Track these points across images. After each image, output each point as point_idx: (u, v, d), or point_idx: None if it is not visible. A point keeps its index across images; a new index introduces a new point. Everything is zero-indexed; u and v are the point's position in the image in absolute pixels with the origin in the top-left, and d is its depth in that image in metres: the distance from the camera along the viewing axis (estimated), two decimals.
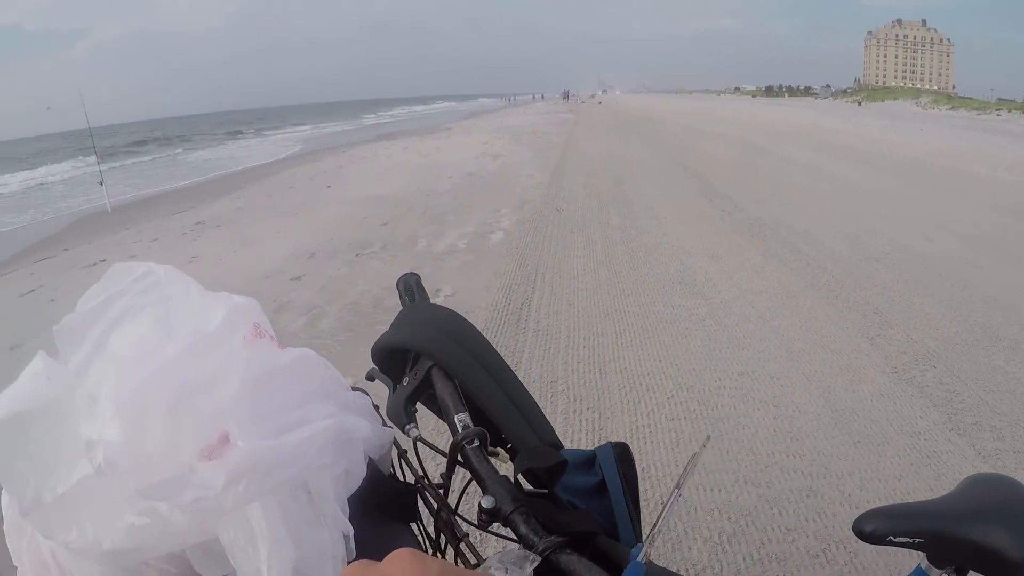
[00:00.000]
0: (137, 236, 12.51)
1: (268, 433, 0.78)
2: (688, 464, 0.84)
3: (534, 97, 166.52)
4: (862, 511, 1.46)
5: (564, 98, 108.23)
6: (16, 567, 0.91)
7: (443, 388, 1.07)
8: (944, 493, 1.67)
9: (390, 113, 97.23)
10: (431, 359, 1.11)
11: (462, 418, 1.02)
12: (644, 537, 0.73)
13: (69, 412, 0.79)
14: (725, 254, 8.43)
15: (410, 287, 1.34)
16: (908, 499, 3.59)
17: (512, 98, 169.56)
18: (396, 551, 0.50)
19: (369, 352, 1.24)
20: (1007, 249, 8.36)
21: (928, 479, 3.80)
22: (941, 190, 12.22)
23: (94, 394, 0.77)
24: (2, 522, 0.90)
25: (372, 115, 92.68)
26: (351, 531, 0.85)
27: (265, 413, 0.81)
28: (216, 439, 0.77)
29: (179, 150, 45.42)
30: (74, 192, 24.64)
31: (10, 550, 0.92)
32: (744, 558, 3.27)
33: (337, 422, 0.86)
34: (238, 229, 11.98)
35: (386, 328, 1.20)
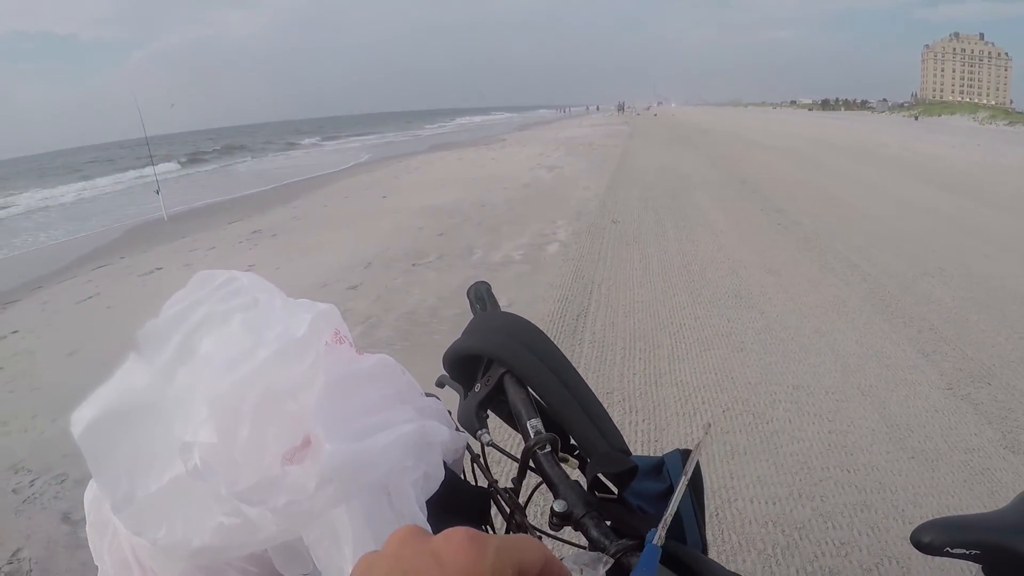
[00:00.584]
0: (193, 245, 12.66)
1: (352, 436, 0.80)
2: (693, 453, 0.87)
3: (588, 109, 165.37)
4: (915, 526, 1.47)
5: (619, 110, 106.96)
6: (97, 566, 0.95)
7: (515, 394, 1.09)
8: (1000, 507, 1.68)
9: (446, 124, 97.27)
10: (504, 366, 1.12)
11: (534, 424, 1.04)
12: (660, 525, 0.76)
13: (160, 413, 0.82)
14: (781, 268, 8.37)
15: (481, 295, 1.36)
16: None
17: (567, 109, 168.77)
18: (449, 529, 0.49)
19: (426, 361, 1.27)
20: None
21: (982, 496, 3.76)
22: (998, 208, 12.04)
23: (186, 396, 0.81)
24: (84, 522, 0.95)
25: (431, 125, 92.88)
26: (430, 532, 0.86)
27: (348, 417, 0.84)
28: (300, 442, 0.80)
29: (234, 161, 45.80)
30: (131, 201, 24.95)
31: (91, 549, 0.96)
32: (797, 571, 3.26)
33: (419, 426, 0.89)
34: (294, 238, 12.09)
35: (442, 337, 1.23)
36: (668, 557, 0.82)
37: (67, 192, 32.36)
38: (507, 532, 1.04)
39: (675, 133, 38.91)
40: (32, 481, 4.67)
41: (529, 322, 1.20)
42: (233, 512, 0.77)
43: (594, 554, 0.79)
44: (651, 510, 0.97)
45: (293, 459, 0.80)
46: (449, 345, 1.21)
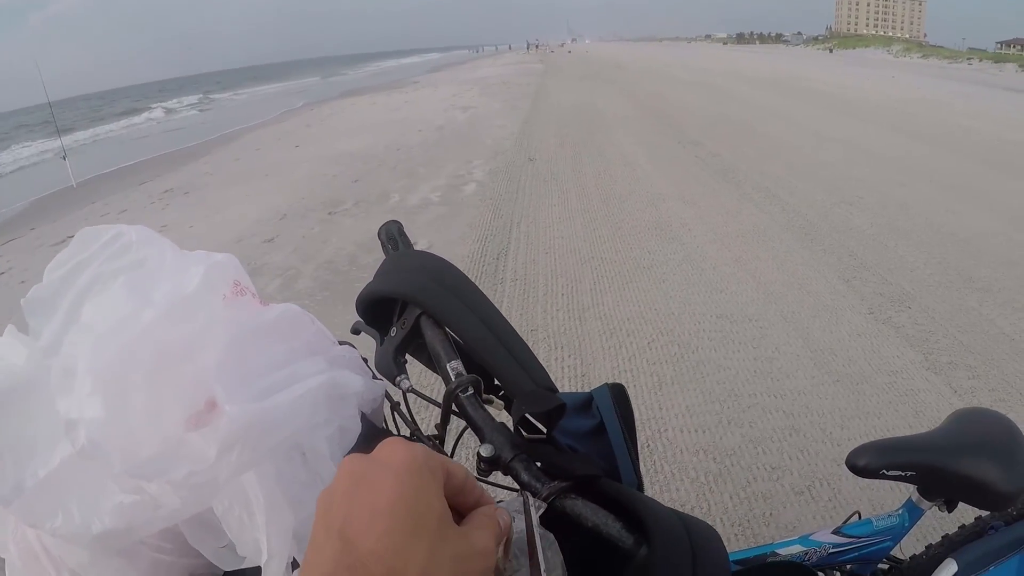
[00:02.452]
0: (104, 209, 12.31)
1: (257, 395, 0.73)
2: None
3: (497, 48, 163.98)
4: (843, 449, 1.48)
5: (529, 48, 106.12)
6: (3, 558, 0.87)
7: (433, 336, 1.03)
8: (927, 429, 1.69)
9: (356, 71, 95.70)
10: (419, 307, 1.07)
11: (455, 366, 0.98)
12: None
13: (44, 389, 0.73)
14: (700, 199, 8.42)
15: (392, 235, 1.27)
16: (888, 436, 3.61)
17: (480, 49, 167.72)
18: (384, 440, 0.58)
19: (347, 310, 1.20)
20: (976, 194, 8.36)
21: (907, 416, 3.85)
22: (913, 138, 12.17)
23: (69, 368, 0.71)
24: None
25: (340, 72, 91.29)
26: None
27: (252, 374, 0.76)
28: (203, 405, 0.72)
29: (140, 120, 44.57)
30: (36, 169, 24.15)
31: None
32: (731, 497, 3.31)
33: (329, 378, 0.82)
34: (207, 195, 11.86)
35: (363, 285, 1.15)
36: (604, 497, 0.78)
37: None
38: None
39: (590, 69, 38.83)
40: None
41: (443, 260, 1.14)
42: (133, 489, 0.71)
43: (518, 501, 0.76)
44: (581, 448, 0.95)
45: (198, 425, 0.72)
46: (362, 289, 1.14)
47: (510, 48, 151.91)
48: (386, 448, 0.57)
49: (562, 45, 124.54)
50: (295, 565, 0.75)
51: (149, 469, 0.67)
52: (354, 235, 7.88)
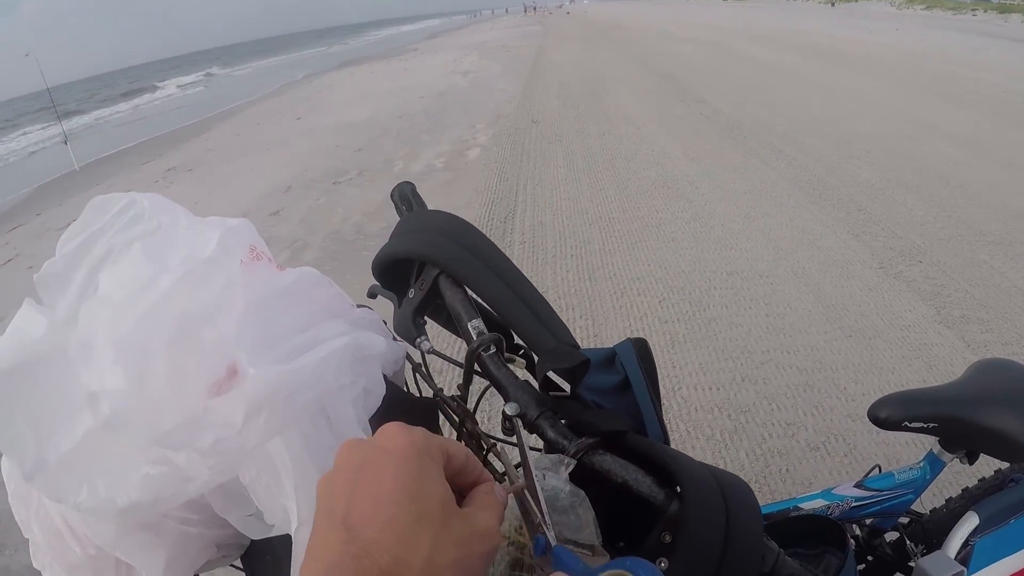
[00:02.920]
0: (108, 191, 12.09)
1: (280, 358, 0.71)
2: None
3: (494, 12, 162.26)
4: (858, 404, 1.47)
5: (526, 11, 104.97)
6: (28, 539, 0.86)
7: (453, 296, 1.01)
8: (940, 383, 1.68)
9: (354, 40, 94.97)
10: (437, 266, 1.04)
11: (476, 325, 0.97)
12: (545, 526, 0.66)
13: (65, 363, 0.71)
14: (706, 156, 8.36)
15: (406, 195, 1.24)
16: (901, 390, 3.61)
17: (478, 13, 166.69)
18: (382, 426, 0.59)
19: (357, 279, 1.17)
20: (985, 146, 8.23)
21: (920, 371, 3.84)
22: (920, 91, 12.04)
23: (88, 340, 0.70)
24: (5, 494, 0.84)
25: (338, 43, 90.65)
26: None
27: (274, 338, 0.75)
28: (224, 372, 0.70)
29: (141, 101, 44.26)
30: (39, 155, 24.01)
31: (18, 522, 0.86)
32: (746, 454, 3.31)
33: (352, 339, 0.80)
34: (210, 171, 11.83)
35: (370, 254, 1.12)
36: (632, 453, 0.78)
37: None
38: (457, 440, 0.98)
39: (589, 30, 38.47)
40: None
41: (459, 218, 1.11)
42: (159, 460, 0.69)
43: (555, 457, 0.76)
44: (606, 404, 0.93)
45: (221, 392, 0.70)
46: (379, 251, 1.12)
47: (507, 11, 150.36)
48: (385, 433, 0.58)
49: (560, 6, 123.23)
50: None
51: (175, 438, 0.66)
52: (359, 204, 7.86)
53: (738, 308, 4.59)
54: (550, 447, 0.81)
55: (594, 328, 4.49)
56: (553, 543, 0.62)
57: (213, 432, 0.66)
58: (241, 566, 0.96)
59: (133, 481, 0.69)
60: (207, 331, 0.70)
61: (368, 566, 0.50)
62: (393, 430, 0.58)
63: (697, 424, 3.53)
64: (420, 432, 0.58)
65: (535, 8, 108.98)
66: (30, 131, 33.18)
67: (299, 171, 10.09)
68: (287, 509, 0.72)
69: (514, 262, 1.01)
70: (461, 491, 0.61)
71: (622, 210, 6.69)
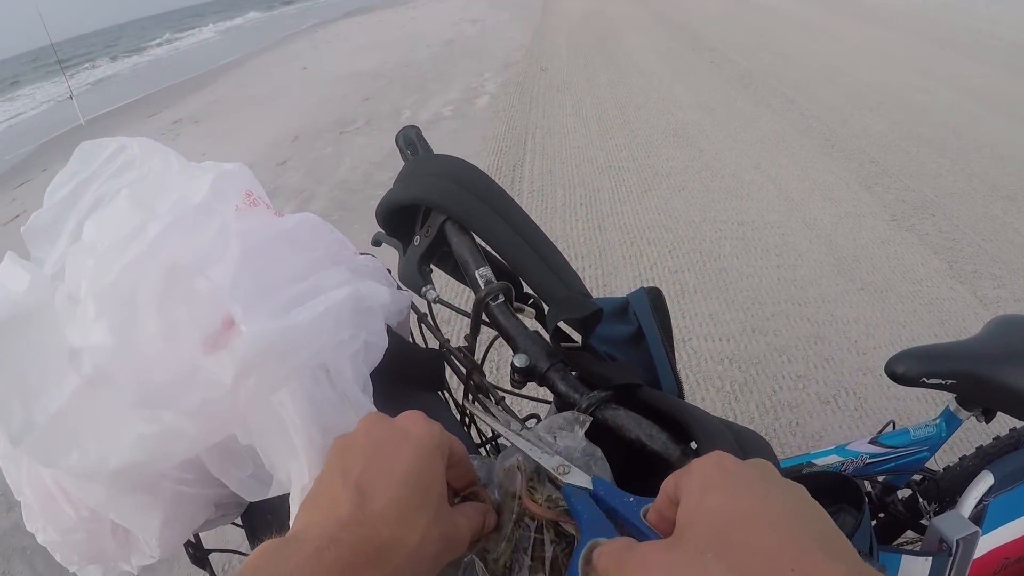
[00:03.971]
0: None
1: (277, 311, 0.67)
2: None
3: None
4: (869, 358, 1.45)
5: None
6: (20, 502, 0.82)
7: (460, 243, 0.98)
8: (952, 338, 1.67)
9: None
10: (443, 212, 1.01)
11: (484, 273, 0.94)
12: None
13: (51, 319, 0.67)
14: (717, 105, 8.26)
15: (411, 140, 1.20)
16: (913, 345, 3.60)
17: None
18: (406, 412, 0.64)
19: (363, 228, 1.14)
20: (1000, 100, 8.04)
21: (932, 325, 3.81)
22: (936, 43, 11.88)
23: (73, 293, 0.66)
24: None
25: None
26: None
27: (271, 288, 0.71)
28: (220, 324, 0.67)
29: (144, 56, 43.93)
30: (46, 110, 23.92)
31: (9, 484, 0.82)
32: (757, 406, 3.31)
33: (353, 290, 0.76)
34: (217, 123, 11.79)
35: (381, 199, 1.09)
36: (646, 407, 0.76)
37: None
38: (464, 394, 0.97)
39: None
40: None
41: (466, 162, 1.07)
42: (152, 420, 0.65)
43: (568, 415, 0.73)
44: (619, 356, 0.90)
45: (217, 345, 0.67)
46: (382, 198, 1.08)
47: None
48: (410, 418, 0.63)
49: None
50: None
51: (160, 398, 0.63)
52: (367, 153, 7.82)
53: (749, 258, 4.56)
54: (561, 400, 0.80)
55: (604, 278, 4.48)
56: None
57: (200, 392, 0.62)
58: (241, 524, 0.93)
59: (126, 441, 0.65)
60: (199, 281, 0.66)
61: (371, 535, 0.52)
62: (417, 417, 0.63)
63: (707, 375, 3.52)
64: (438, 426, 0.62)
65: None
66: (39, 85, 33.07)
67: (307, 121, 10.03)
68: (290, 470, 0.70)
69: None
70: (450, 486, 0.65)
71: (632, 159, 6.64)
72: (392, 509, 0.54)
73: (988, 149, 6.28)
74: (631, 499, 0.61)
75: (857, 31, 12.82)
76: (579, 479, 0.64)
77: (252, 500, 0.77)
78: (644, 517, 0.58)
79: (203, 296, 0.65)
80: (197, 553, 0.98)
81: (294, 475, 0.69)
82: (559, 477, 0.64)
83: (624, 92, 9.35)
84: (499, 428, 0.74)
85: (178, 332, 0.66)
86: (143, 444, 0.65)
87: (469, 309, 0.94)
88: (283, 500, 0.73)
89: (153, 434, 0.65)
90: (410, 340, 1.02)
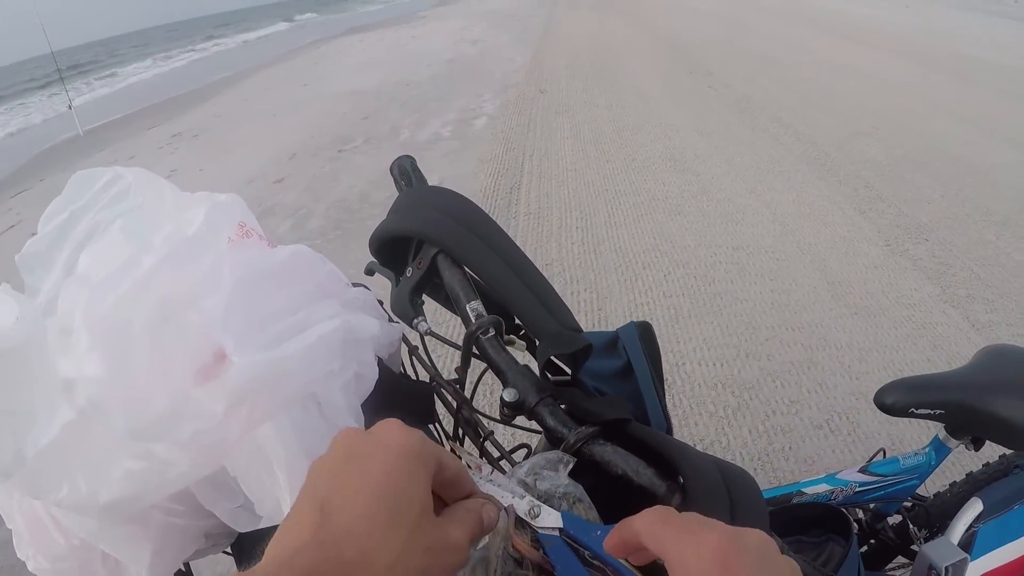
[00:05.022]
0: (113, 156, 12.26)
1: (268, 343, 0.68)
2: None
3: None
4: (862, 383, 1.46)
5: None
6: (11, 529, 0.83)
7: (451, 276, 1.00)
8: (944, 363, 1.69)
9: (364, 6, 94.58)
10: (436, 245, 1.03)
11: (475, 307, 0.96)
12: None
13: (42, 351, 0.68)
14: (714, 130, 8.31)
15: (405, 170, 1.21)
16: (907, 371, 3.63)
17: None
18: (383, 420, 0.60)
19: (360, 248, 1.16)
20: (993, 125, 8.09)
21: (924, 350, 3.83)
22: (931, 68, 11.93)
23: (66, 325, 0.67)
24: None
25: (344, 11, 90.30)
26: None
27: (262, 320, 0.71)
28: (211, 356, 0.68)
29: (141, 66, 44.16)
30: (44, 120, 23.99)
31: (0, 512, 0.84)
32: (750, 431, 3.32)
33: (343, 321, 0.78)
34: (216, 137, 11.83)
35: (375, 223, 1.11)
36: (633, 442, 0.78)
37: None
38: (455, 428, 0.99)
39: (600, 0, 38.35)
40: None
41: (460, 195, 1.10)
42: (142, 454, 0.67)
43: (552, 455, 0.75)
44: (608, 390, 0.91)
45: (209, 378, 0.68)
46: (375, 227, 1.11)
47: None
48: (384, 428, 0.59)
49: None
50: None
51: (152, 430, 0.64)
52: (365, 172, 7.84)
53: (743, 283, 4.59)
54: (549, 435, 0.81)
55: (598, 302, 4.49)
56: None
57: (192, 424, 0.64)
58: (231, 552, 0.94)
59: (115, 476, 0.67)
60: (191, 314, 0.68)
61: (332, 556, 0.50)
62: (392, 426, 0.59)
63: (700, 400, 3.53)
64: (418, 435, 0.58)
65: None
66: (41, 96, 33.14)
67: (305, 138, 10.06)
68: (279, 499, 0.71)
69: (520, 234, 1.01)
70: (447, 504, 0.62)
71: (628, 182, 6.67)
72: (359, 525, 0.52)
73: (983, 175, 6.42)
74: (599, 532, 0.63)
75: (854, 55, 12.94)
76: (550, 519, 0.66)
77: (243, 531, 0.78)
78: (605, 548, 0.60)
79: (195, 328, 0.67)
80: None
81: (284, 506, 0.70)
82: (530, 521, 0.66)
83: (621, 114, 9.40)
84: (471, 474, 0.75)
85: (170, 363, 0.67)
86: (132, 479, 0.67)
87: (459, 340, 0.96)
88: (273, 530, 0.73)
89: (142, 469, 0.67)
90: (402, 371, 1.03)
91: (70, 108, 17.03)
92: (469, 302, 0.96)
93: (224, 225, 0.77)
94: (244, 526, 0.77)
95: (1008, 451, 1.71)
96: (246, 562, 0.92)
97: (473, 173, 7.27)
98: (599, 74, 12.59)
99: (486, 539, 0.67)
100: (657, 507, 0.56)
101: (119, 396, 0.64)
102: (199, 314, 0.67)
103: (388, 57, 19.06)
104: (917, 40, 14.27)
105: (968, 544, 1.45)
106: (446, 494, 0.62)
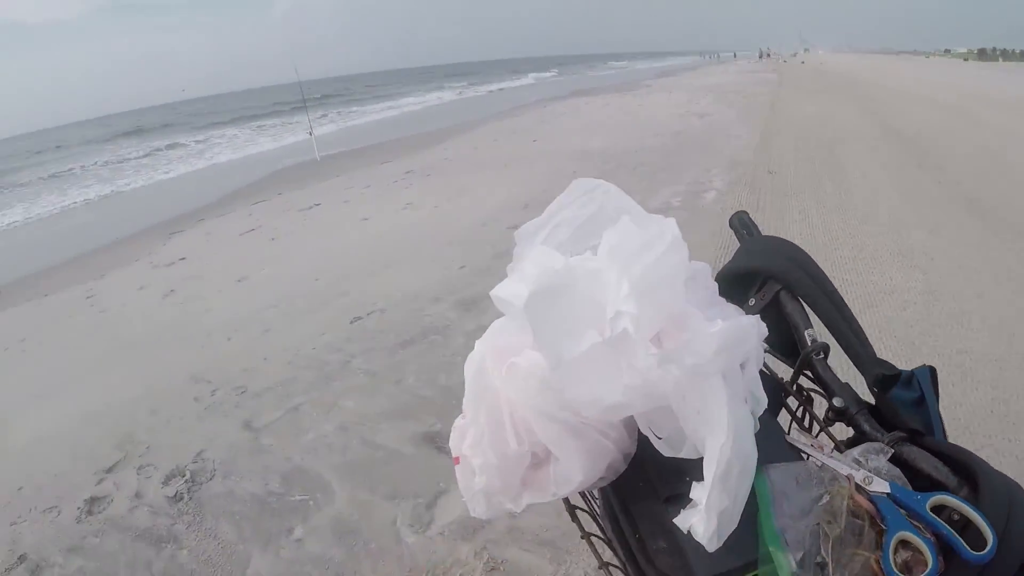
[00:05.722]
0: (349, 183, 13.15)
1: (709, 318, 1.02)
2: None
3: (720, 57, 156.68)
4: None
5: (760, 57, 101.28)
6: (471, 428, 1.13)
7: (792, 308, 1.27)
8: None
9: (592, 70, 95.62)
10: (780, 282, 1.29)
11: (811, 333, 1.22)
12: None
13: (578, 292, 1.01)
14: (942, 228, 8.07)
15: (745, 222, 1.53)
16: None
17: (713, 55, 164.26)
18: None
19: None
20: None
21: None
22: None
23: (600, 278, 1.00)
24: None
25: (569, 71, 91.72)
26: (765, 403, 1.06)
27: (704, 303, 1.08)
28: (673, 324, 1.00)
29: (387, 106, 46.13)
30: (286, 145, 26.61)
31: (467, 410, 1.15)
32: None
33: (750, 320, 1.06)
34: (448, 179, 12.41)
35: None
36: (931, 451, 1.00)
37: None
38: (800, 414, 1.27)
39: (825, 82, 37.13)
40: (213, 391, 5.20)
41: (796, 244, 1.37)
42: (635, 376, 0.94)
43: (877, 445, 1.00)
44: (904, 414, 1.12)
45: (663, 338, 1.01)
46: (722, 267, 1.42)
47: (735, 56, 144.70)
48: None
49: (794, 55, 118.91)
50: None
51: (672, 356, 0.91)
52: None
53: (963, 387, 4.50)
54: (864, 437, 1.06)
55: None
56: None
57: (693, 357, 0.91)
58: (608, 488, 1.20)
59: (617, 388, 0.96)
60: (677, 286, 1.03)
61: None
62: None
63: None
64: None
65: (768, 54, 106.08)
66: (292, 122, 35.59)
67: (537, 190, 10.49)
68: (704, 440, 0.95)
69: None
70: None
71: (855, 272, 6.68)
72: None
73: None
74: (919, 496, 0.88)
75: None
76: (880, 486, 0.90)
77: (667, 456, 1.04)
78: (928, 509, 0.84)
79: (668, 296, 1.01)
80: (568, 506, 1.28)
81: (708, 443, 0.94)
82: (865, 486, 0.90)
83: (848, 201, 9.35)
84: (816, 455, 1.03)
85: (684, 313, 1.01)
86: (628, 393, 0.95)
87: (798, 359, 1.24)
88: (653, 466, 1.08)
89: (635, 386, 0.95)
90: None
91: (310, 135, 18.24)
92: (806, 329, 1.23)
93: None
94: (668, 452, 1.03)
95: None
96: (624, 497, 1.17)
97: (702, 243, 7.41)
98: (827, 158, 12.46)
99: (829, 496, 0.90)
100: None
101: (644, 330, 0.95)
102: (669, 291, 1.02)
103: (613, 122, 19.42)
104: None
105: None
106: None
